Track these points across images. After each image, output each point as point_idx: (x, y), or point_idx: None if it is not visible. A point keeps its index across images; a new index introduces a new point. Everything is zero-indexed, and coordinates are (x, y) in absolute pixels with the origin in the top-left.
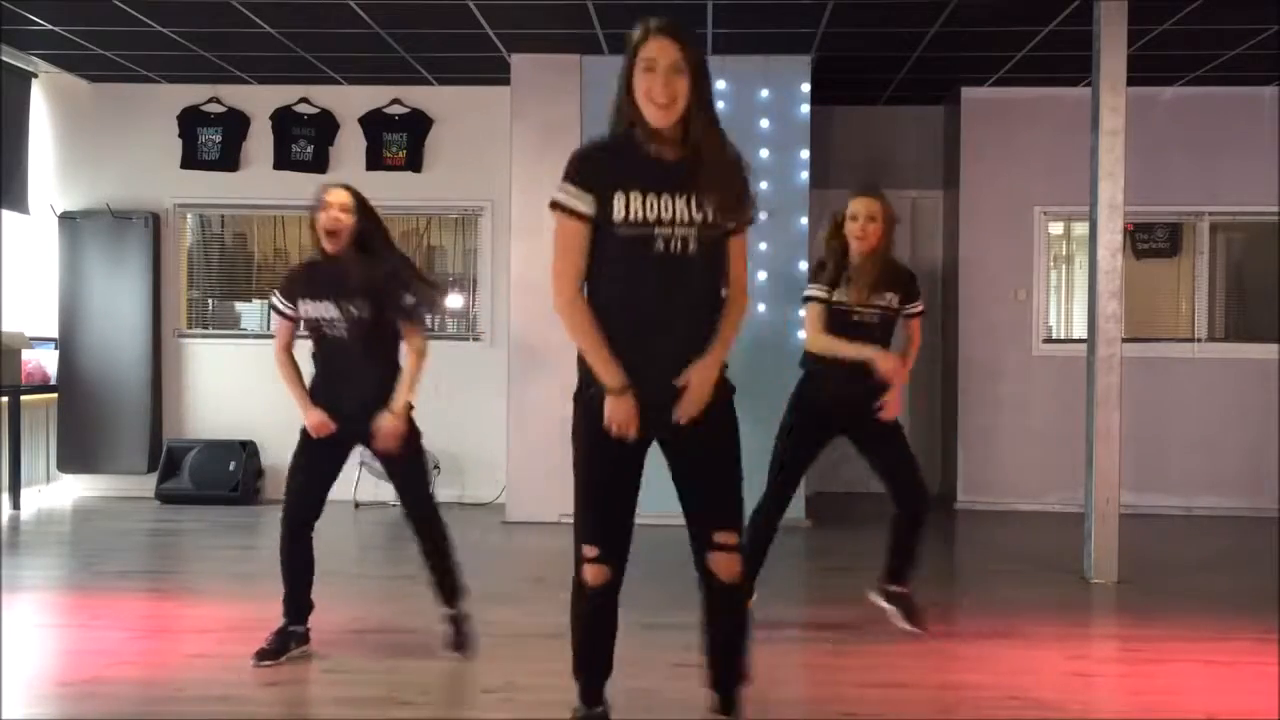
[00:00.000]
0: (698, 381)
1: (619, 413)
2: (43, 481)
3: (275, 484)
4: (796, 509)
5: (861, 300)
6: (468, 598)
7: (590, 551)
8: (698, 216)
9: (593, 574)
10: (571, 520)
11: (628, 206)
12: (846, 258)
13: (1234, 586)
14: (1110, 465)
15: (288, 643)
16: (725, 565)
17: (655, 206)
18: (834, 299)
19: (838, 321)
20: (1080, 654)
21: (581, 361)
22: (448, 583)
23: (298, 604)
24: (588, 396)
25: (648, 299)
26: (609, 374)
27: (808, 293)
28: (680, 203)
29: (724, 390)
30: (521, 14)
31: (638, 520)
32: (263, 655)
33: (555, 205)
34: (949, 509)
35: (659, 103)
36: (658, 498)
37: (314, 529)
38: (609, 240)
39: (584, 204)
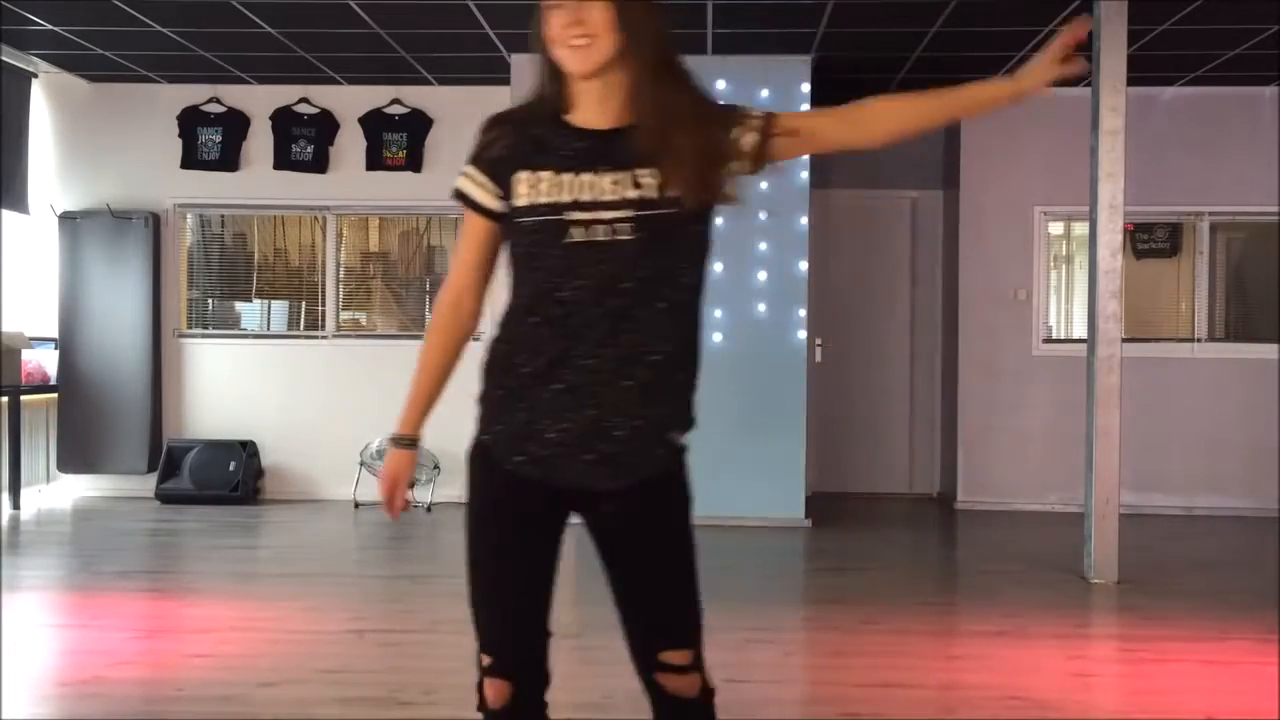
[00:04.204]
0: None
1: (388, 466)
2: (43, 481)
3: (275, 484)
4: (796, 508)
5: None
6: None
7: (485, 660)
8: (632, 195)
9: (492, 691)
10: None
11: (534, 188)
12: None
13: (1234, 586)
14: (1110, 465)
15: None
16: (683, 686)
17: (572, 187)
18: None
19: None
20: (1080, 654)
21: (482, 398)
22: None
23: None
24: (478, 443)
25: (554, 312)
26: (404, 413)
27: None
28: (609, 179)
29: (677, 457)
30: (521, 14)
31: None
32: None
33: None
34: (949, 509)
35: (569, 43)
36: None
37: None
38: (514, 236)
39: (485, 193)
